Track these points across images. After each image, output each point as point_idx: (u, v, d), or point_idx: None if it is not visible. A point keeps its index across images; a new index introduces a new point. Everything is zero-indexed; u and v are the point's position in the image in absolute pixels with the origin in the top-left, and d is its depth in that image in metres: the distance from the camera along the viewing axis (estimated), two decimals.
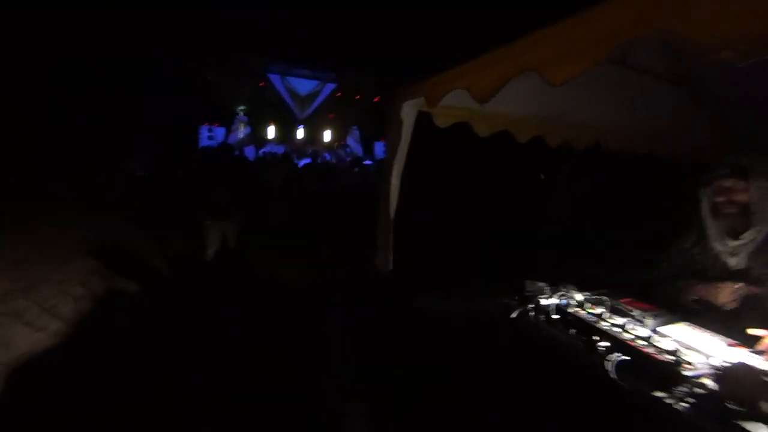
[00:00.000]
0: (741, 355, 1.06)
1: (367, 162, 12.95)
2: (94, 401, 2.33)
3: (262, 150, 14.54)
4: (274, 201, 7.12)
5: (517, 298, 1.51)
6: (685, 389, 1.00)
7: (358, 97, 14.81)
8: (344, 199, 6.69)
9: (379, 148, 15.39)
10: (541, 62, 1.05)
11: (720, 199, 1.56)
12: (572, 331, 1.28)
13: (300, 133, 15.95)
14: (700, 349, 1.18)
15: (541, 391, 1.34)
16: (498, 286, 1.69)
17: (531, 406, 1.39)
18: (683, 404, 0.98)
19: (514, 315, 1.45)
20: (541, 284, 1.47)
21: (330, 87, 15.02)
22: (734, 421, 0.91)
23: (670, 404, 0.97)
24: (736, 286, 1.47)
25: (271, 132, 15.40)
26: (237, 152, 9.42)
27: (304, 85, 15.02)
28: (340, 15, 9.94)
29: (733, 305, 1.46)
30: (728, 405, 0.95)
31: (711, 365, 1.04)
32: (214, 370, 2.73)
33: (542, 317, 1.40)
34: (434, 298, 2.71)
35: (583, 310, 1.35)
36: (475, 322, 1.91)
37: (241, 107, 14.60)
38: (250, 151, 14.03)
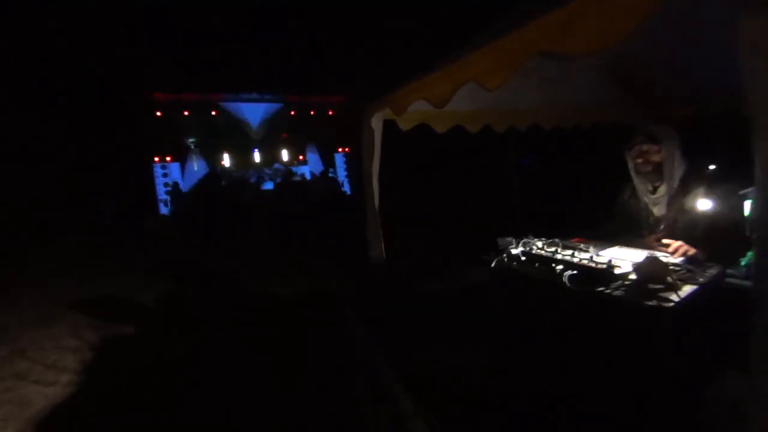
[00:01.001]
0: (651, 255, 1.53)
1: (330, 174, 13.26)
2: None
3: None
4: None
5: (492, 252, 1.93)
6: (616, 283, 1.45)
7: (312, 113, 15.07)
8: (322, 210, 7.01)
9: (338, 159, 15.77)
10: (478, 75, 1.46)
11: (639, 160, 2.04)
12: (536, 264, 1.72)
13: (257, 157, 15.94)
14: (626, 258, 1.65)
15: (525, 304, 1.81)
16: (475, 251, 2.10)
17: (520, 313, 1.85)
18: (617, 292, 1.42)
19: (492, 264, 1.87)
20: (509, 239, 1.91)
21: (278, 106, 15.15)
22: (656, 294, 1.35)
23: (608, 293, 1.42)
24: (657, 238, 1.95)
25: (226, 160, 15.29)
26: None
27: (254, 109, 15.06)
28: (286, 39, 10.24)
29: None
30: (648, 286, 1.40)
31: (633, 264, 1.49)
32: (245, 393, 2.93)
33: (513, 262, 1.83)
34: (429, 278, 3.09)
35: (542, 250, 1.79)
36: (465, 282, 2.30)
37: (192, 139, 14.39)
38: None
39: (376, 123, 2.63)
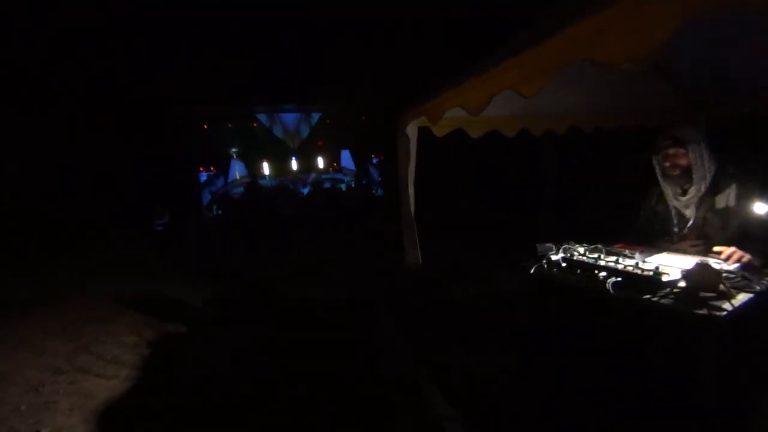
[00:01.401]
0: (702, 262, 1.46)
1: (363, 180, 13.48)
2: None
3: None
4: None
5: (531, 258, 1.91)
6: (664, 291, 1.40)
7: (345, 120, 15.45)
8: (354, 215, 7.17)
9: (371, 168, 16.04)
10: (514, 82, 1.48)
11: (666, 164, 1.98)
12: (578, 271, 1.68)
13: (294, 164, 16.52)
14: (675, 265, 1.58)
15: (564, 312, 1.76)
16: (515, 256, 2.08)
17: (559, 321, 1.81)
18: (665, 301, 1.37)
19: (532, 270, 1.85)
20: (548, 245, 1.88)
21: (316, 116, 15.69)
22: (706, 302, 1.30)
23: (655, 301, 1.37)
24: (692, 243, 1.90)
25: (266, 168, 15.97)
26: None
27: (291, 119, 15.68)
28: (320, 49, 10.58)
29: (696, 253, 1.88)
30: (699, 294, 1.34)
31: (682, 271, 1.44)
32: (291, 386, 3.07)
33: (554, 269, 1.80)
34: (462, 282, 3.09)
35: (584, 257, 1.75)
36: (504, 286, 2.28)
37: (234, 149, 15.18)
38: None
39: (412, 130, 2.68)
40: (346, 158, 16.76)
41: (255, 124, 14.59)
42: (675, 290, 1.39)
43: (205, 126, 12.92)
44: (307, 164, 16.49)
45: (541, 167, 5.55)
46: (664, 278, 1.43)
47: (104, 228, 9.41)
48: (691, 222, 1.99)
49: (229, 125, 13.82)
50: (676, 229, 2.05)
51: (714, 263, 1.53)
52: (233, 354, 3.81)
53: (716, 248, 1.70)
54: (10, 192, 7.94)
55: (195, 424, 2.78)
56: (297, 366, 3.37)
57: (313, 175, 15.85)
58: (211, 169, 14.49)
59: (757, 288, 1.36)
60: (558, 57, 1.27)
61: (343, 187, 14.27)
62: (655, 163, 2.06)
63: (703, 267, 1.35)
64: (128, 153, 10.10)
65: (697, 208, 1.96)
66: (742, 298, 1.31)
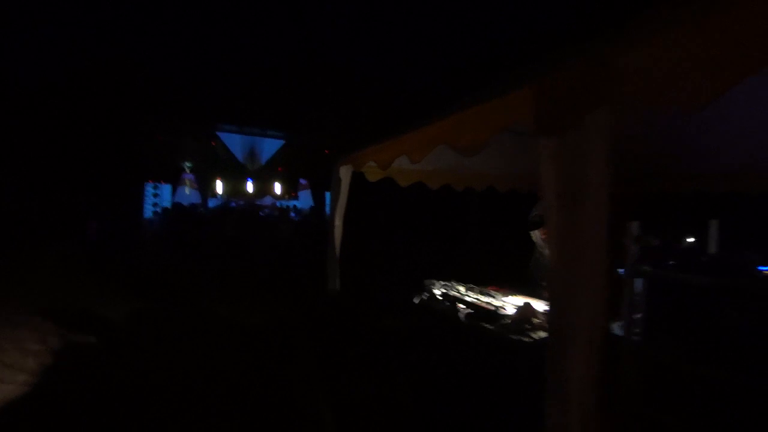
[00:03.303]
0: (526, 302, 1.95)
1: (292, 214, 13.74)
2: None
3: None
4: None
5: (419, 291, 2.35)
6: (501, 322, 1.86)
7: (308, 152, 15.88)
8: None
9: (328, 198, 16.42)
10: (407, 152, 1.97)
11: (542, 236, 2.54)
12: (447, 303, 2.13)
13: (249, 187, 16.51)
14: (516, 304, 2.07)
15: (431, 333, 2.17)
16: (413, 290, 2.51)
17: (427, 337, 2.21)
18: (499, 329, 1.82)
19: (416, 300, 2.27)
20: (432, 281, 2.33)
21: (279, 143, 16.03)
22: (525, 331, 1.76)
23: (492, 329, 1.82)
24: None
25: (219, 187, 15.81)
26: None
27: (253, 142, 15.87)
28: (290, 81, 11.17)
29: None
30: (522, 325, 1.81)
31: (515, 308, 1.91)
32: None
33: (432, 300, 2.24)
34: (374, 310, 3.44)
35: (455, 292, 2.21)
36: (396, 314, 2.65)
37: (188, 164, 14.99)
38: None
39: (345, 173, 3.12)
40: (306, 196, 17.02)
41: (214, 143, 14.59)
42: (507, 321, 1.85)
43: (160, 137, 12.77)
44: (264, 189, 16.56)
45: (466, 219, 6.32)
46: (500, 312, 1.90)
47: (36, 235, 8.86)
48: None
49: (186, 140, 13.72)
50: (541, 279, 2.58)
51: (538, 304, 2.04)
52: (136, 369, 3.79)
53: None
54: None
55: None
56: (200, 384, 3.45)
57: (268, 199, 15.87)
58: (161, 181, 14.13)
59: None
60: (431, 140, 1.77)
61: (293, 214, 14.41)
62: (531, 235, 2.61)
63: (525, 305, 1.83)
64: (67, 158, 9.77)
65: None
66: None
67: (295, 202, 16.41)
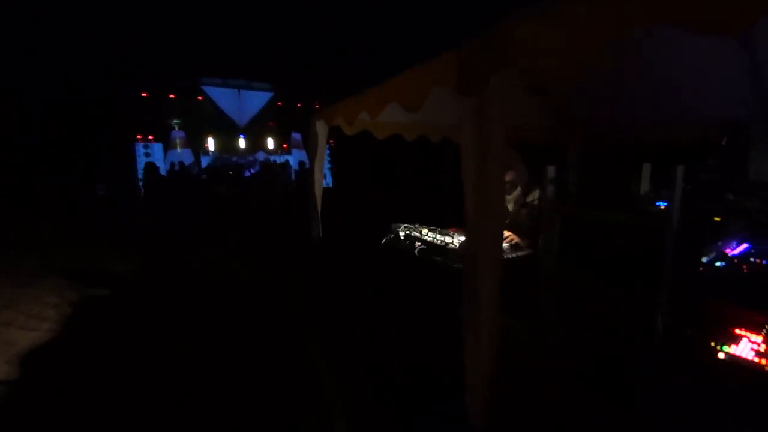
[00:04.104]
0: None
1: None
2: (91, 376, 3.13)
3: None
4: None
5: (386, 233, 2.70)
6: (448, 255, 2.22)
7: (299, 105, 15.67)
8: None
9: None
10: (367, 108, 2.20)
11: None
12: (407, 242, 2.49)
13: (242, 143, 16.48)
14: None
15: (393, 264, 2.57)
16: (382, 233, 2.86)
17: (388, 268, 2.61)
18: (445, 260, 2.19)
19: (383, 240, 2.64)
20: (399, 224, 2.67)
21: (268, 96, 15.76)
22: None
23: (439, 260, 2.18)
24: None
25: (211, 144, 15.80)
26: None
27: (242, 96, 15.61)
28: (277, 30, 10.83)
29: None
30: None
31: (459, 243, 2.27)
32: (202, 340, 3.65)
33: (397, 240, 2.60)
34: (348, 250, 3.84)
35: (415, 232, 2.56)
36: (368, 251, 3.02)
37: (176, 120, 14.86)
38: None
39: (321, 127, 3.35)
40: (297, 141, 16.97)
41: (200, 98, 14.36)
42: (452, 254, 2.21)
43: (144, 94, 12.59)
44: (255, 144, 16.52)
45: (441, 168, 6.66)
46: (449, 247, 2.26)
47: (37, 199, 9.18)
48: (509, 214, 2.88)
49: (172, 97, 13.51)
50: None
51: None
52: (149, 315, 4.27)
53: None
54: None
55: (106, 372, 3.18)
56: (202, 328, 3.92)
57: (261, 155, 15.92)
58: (149, 138, 14.09)
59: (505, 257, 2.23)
60: (383, 98, 2.01)
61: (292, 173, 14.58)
62: None
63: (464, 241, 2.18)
64: (57, 118, 9.78)
65: (515, 204, 2.85)
66: None
67: (288, 157, 16.46)
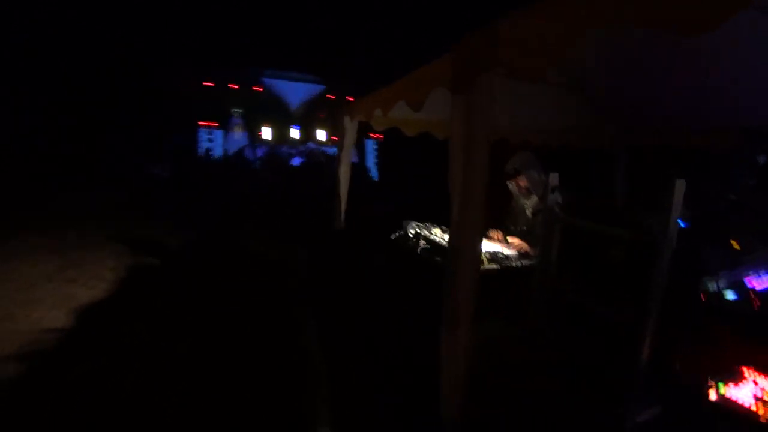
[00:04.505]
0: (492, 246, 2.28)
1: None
2: (142, 328, 3.53)
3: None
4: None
5: (397, 230, 2.76)
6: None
7: (349, 98, 16.04)
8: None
9: (368, 144, 16.77)
10: (380, 105, 2.26)
11: (514, 185, 2.78)
12: (414, 240, 2.52)
13: (295, 133, 17.24)
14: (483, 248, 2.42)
15: (399, 258, 2.62)
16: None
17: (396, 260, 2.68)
18: (444, 261, 2.20)
19: (393, 237, 2.70)
20: (410, 221, 2.71)
21: (319, 88, 16.32)
22: None
23: (438, 260, 2.20)
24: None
25: (266, 133, 16.70)
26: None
27: (295, 88, 16.31)
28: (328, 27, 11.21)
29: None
30: None
31: None
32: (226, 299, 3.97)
33: (405, 238, 2.64)
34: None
35: (426, 231, 2.59)
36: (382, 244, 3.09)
37: (237, 109, 15.90)
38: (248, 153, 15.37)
39: (349, 123, 3.46)
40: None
41: (259, 89, 15.23)
42: None
43: (211, 84, 13.61)
44: (308, 135, 17.20)
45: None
46: None
47: (104, 173, 10.38)
48: (524, 220, 2.81)
49: (233, 87, 14.48)
50: (514, 225, 2.87)
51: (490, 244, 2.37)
52: (194, 284, 4.69)
53: (509, 238, 2.54)
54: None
55: (156, 328, 3.58)
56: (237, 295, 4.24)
57: (310, 145, 16.53)
58: (213, 124, 15.23)
59: (505, 264, 2.19)
60: (392, 97, 2.06)
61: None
62: (509, 185, 2.87)
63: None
64: (133, 103, 10.91)
65: (532, 211, 2.77)
66: (489, 266, 2.14)
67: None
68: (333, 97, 16.22)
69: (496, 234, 2.75)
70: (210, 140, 15.17)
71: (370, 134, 16.66)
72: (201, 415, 2.39)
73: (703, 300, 1.40)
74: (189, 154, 13.06)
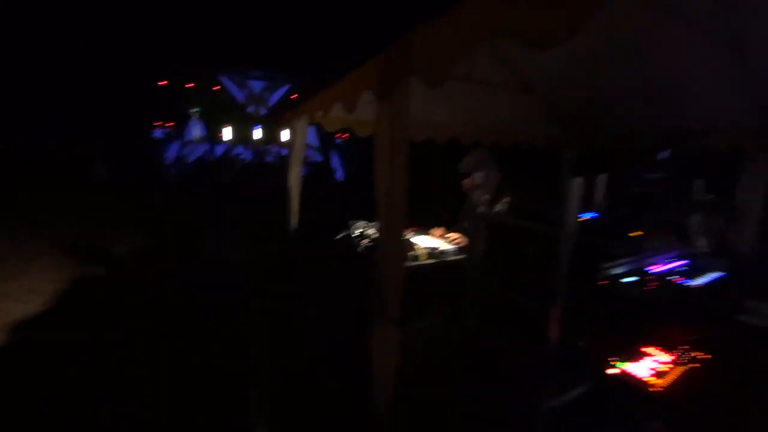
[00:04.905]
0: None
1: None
2: (74, 343, 3.39)
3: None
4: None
5: (342, 229, 2.83)
6: None
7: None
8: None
9: (336, 144, 16.74)
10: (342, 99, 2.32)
11: (468, 182, 2.91)
12: (357, 239, 2.60)
13: (257, 134, 16.90)
14: (417, 241, 2.53)
15: (344, 257, 2.70)
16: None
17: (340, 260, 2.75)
18: None
19: (338, 236, 2.76)
20: (356, 221, 2.79)
21: (285, 88, 16.11)
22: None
23: None
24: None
25: (227, 133, 16.28)
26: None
27: (257, 87, 16.02)
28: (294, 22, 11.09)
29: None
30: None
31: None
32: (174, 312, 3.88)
33: (349, 236, 2.72)
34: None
35: (372, 230, 2.67)
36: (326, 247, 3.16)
37: (195, 109, 15.39)
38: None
39: (300, 125, 3.49)
40: (312, 135, 17.25)
41: (218, 88, 14.84)
42: None
43: (164, 82, 13.13)
44: (271, 135, 16.90)
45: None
46: None
47: (49, 174, 9.80)
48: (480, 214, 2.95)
49: (190, 85, 14.02)
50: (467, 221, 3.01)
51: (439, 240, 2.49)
52: (142, 298, 4.54)
53: (449, 234, 2.68)
54: None
55: (89, 348, 3.42)
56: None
57: (275, 147, 16.29)
58: (168, 125, 14.65)
59: (442, 258, 2.32)
60: (331, 98, 2.13)
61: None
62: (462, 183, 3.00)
63: (405, 240, 2.28)
64: (81, 99, 10.37)
65: (485, 207, 2.91)
66: (425, 260, 2.25)
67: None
68: (297, 96, 16.04)
69: (437, 231, 2.89)
70: (164, 141, 14.60)
71: (336, 134, 16.62)
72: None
73: (605, 285, 1.56)
74: (142, 156, 12.55)
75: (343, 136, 16.37)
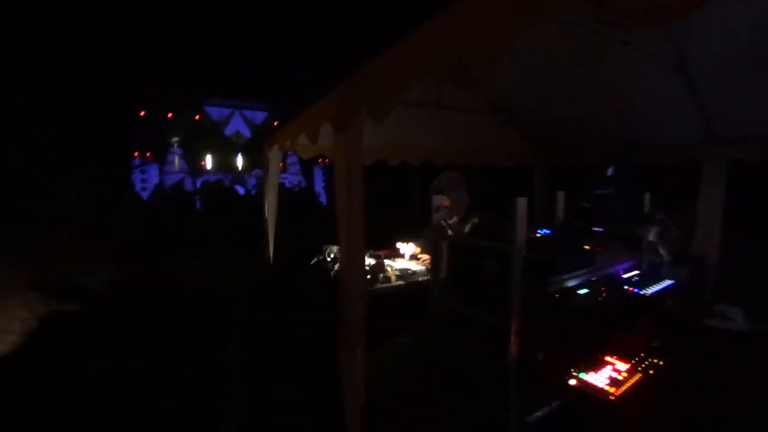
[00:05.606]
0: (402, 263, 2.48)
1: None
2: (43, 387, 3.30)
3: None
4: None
5: (317, 254, 2.90)
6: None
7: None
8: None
9: (317, 173, 16.94)
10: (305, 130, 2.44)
11: (437, 203, 3.02)
12: (330, 263, 2.67)
13: (239, 161, 17.03)
14: (394, 266, 2.61)
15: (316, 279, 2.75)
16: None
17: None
18: None
19: (313, 261, 2.83)
20: (329, 246, 2.86)
21: (263, 115, 16.39)
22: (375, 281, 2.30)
23: None
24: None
25: (209, 162, 16.36)
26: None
27: (239, 116, 16.25)
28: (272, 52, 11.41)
29: None
30: (377, 275, 2.35)
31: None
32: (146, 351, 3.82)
33: (323, 260, 2.79)
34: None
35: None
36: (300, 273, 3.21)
37: (175, 138, 15.47)
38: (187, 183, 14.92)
39: (273, 153, 3.60)
40: (294, 161, 17.45)
41: (198, 117, 15.00)
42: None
43: (142, 113, 13.23)
44: (253, 163, 17.05)
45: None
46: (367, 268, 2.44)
47: (21, 207, 9.63)
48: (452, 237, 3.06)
49: (170, 115, 14.16)
50: None
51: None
52: (115, 336, 4.45)
53: (419, 255, 2.78)
54: None
55: (59, 392, 3.34)
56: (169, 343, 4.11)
57: (258, 172, 16.38)
58: (147, 155, 14.67)
59: (412, 279, 2.40)
60: (296, 129, 2.25)
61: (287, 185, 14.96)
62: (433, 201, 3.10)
63: (377, 262, 2.36)
64: (59, 129, 10.36)
65: (454, 230, 3.00)
66: (396, 282, 2.33)
67: (284, 175, 16.88)
68: (277, 123, 16.29)
69: (413, 251, 2.97)
70: (143, 171, 14.54)
71: (320, 159, 16.83)
72: None
73: (559, 298, 1.66)
74: (118, 186, 12.47)
75: (326, 161, 16.59)
